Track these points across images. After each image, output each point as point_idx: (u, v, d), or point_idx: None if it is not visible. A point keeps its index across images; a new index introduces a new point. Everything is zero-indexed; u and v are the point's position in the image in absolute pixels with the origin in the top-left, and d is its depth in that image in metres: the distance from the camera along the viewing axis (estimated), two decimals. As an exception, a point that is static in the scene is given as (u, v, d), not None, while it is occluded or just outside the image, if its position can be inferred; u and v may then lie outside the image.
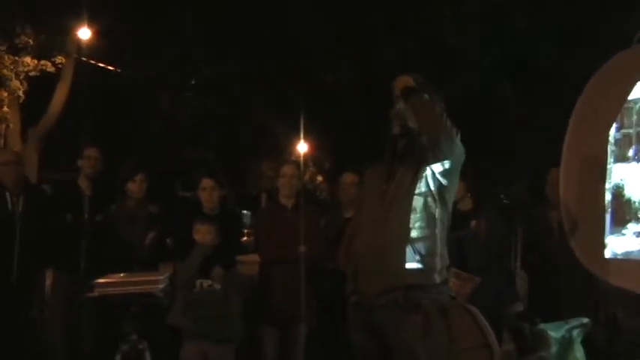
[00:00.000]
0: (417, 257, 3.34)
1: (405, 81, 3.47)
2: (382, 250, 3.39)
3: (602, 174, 4.55)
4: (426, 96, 3.43)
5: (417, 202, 3.41)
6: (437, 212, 3.44)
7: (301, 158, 13.88)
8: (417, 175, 3.42)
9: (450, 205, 3.52)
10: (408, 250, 3.35)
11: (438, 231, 3.44)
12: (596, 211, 4.38)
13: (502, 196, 11.60)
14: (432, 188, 3.43)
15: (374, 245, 3.43)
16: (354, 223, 3.77)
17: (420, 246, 3.37)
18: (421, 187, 3.42)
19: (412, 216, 3.40)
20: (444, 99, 3.61)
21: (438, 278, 3.36)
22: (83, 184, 5.74)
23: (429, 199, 3.42)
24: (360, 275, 3.49)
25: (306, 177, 17.44)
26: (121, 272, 4.38)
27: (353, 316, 3.56)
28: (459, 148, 3.39)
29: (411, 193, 3.41)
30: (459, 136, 3.37)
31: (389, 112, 3.61)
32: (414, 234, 3.38)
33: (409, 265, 3.32)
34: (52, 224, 5.58)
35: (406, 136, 3.52)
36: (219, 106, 15.01)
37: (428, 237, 3.40)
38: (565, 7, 10.49)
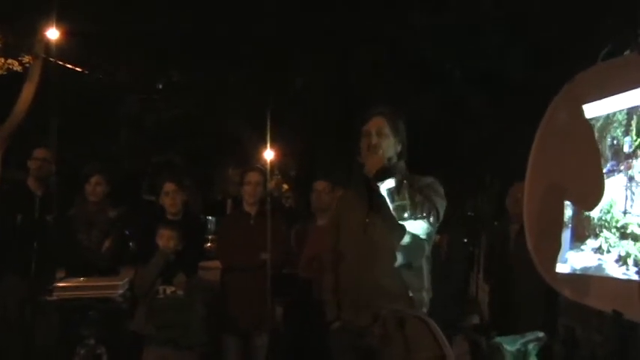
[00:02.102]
0: (409, 293, 3.48)
1: (376, 163, 3.43)
2: (372, 287, 3.50)
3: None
4: (398, 179, 3.38)
5: (405, 239, 3.50)
6: (425, 249, 3.58)
7: (267, 165, 13.84)
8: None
9: (432, 239, 3.65)
10: (398, 285, 3.48)
11: (424, 266, 3.58)
12: (556, 227, 4.43)
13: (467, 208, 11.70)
14: None
15: (362, 281, 3.53)
16: (335, 252, 3.79)
17: (410, 282, 3.50)
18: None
19: (400, 253, 3.50)
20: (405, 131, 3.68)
21: (425, 311, 3.48)
22: (32, 184, 5.68)
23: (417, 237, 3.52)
24: (347, 307, 3.62)
25: (272, 184, 17.36)
26: (79, 277, 4.34)
27: (338, 339, 3.67)
28: (436, 218, 3.44)
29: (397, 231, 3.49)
30: (435, 214, 3.43)
31: (357, 131, 3.65)
32: (403, 271, 3.50)
33: (399, 301, 3.42)
34: (1, 225, 5.53)
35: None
36: (187, 110, 14.95)
37: (416, 273, 3.54)
38: (538, 22, 10.61)
